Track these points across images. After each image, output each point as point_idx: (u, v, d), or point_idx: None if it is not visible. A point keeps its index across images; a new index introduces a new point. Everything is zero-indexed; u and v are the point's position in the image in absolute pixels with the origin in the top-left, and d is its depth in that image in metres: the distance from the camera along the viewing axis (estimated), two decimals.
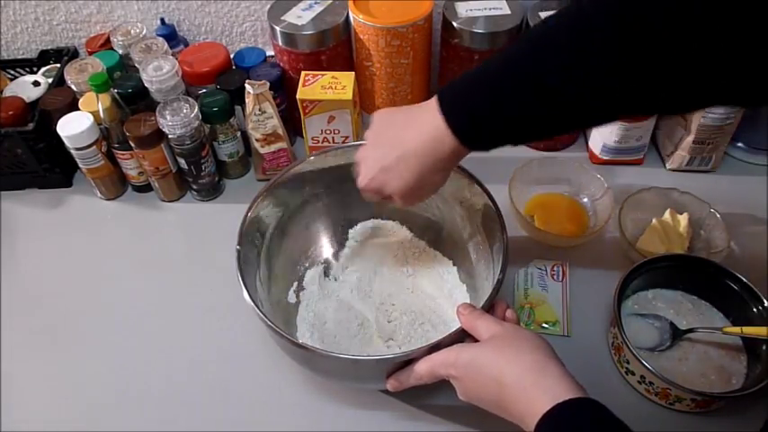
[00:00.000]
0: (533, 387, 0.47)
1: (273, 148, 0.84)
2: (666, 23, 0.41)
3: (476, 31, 0.81)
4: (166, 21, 0.95)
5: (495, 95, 0.49)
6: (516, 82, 0.48)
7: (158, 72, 0.82)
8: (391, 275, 0.74)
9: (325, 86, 0.79)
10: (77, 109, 0.83)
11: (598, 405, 0.45)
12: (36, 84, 0.91)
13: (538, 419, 0.45)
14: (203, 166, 0.84)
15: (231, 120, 0.84)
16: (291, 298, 0.72)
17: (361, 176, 0.59)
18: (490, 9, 0.83)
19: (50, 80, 0.91)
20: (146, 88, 0.83)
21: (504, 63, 0.50)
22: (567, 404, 0.45)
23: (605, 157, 0.87)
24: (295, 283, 0.73)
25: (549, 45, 0.47)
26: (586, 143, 0.91)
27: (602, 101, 0.46)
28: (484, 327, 0.53)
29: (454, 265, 0.74)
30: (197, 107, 0.79)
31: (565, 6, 0.48)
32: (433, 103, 0.52)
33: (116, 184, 0.89)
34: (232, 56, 0.90)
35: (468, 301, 0.69)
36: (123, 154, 0.84)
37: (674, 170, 0.87)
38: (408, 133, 0.54)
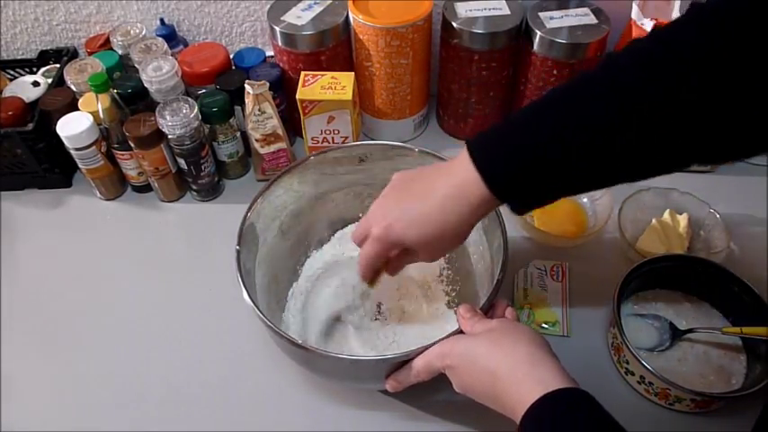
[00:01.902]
0: (525, 378, 0.47)
1: (273, 148, 0.84)
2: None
3: (475, 31, 0.81)
4: (166, 21, 0.95)
5: (529, 135, 0.46)
6: (554, 126, 0.46)
7: (158, 72, 0.82)
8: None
9: (325, 87, 0.79)
10: (77, 109, 0.83)
11: (586, 396, 0.45)
12: (36, 84, 0.91)
13: (526, 409, 0.45)
14: (203, 167, 0.84)
15: (231, 120, 0.84)
16: (291, 298, 0.72)
17: (375, 226, 0.52)
18: (490, 9, 0.83)
19: (50, 80, 0.91)
20: (145, 88, 0.83)
21: (541, 108, 0.47)
22: (555, 394, 0.45)
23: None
24: (295, 284, 0.73)
25: (582, 88, 0.45)
26: None
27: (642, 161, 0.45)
28: (480, 326, 0.53)
29: (454, 265, 0.74)
30: (197, 107, 0.79)
31: (608, 55, 0.46)
32: (463, 153, 0.49)
33: (116, 185, 0.89)
34: (232, 56, 0.90)
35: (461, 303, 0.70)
36: (123, 154, 0.84)
37: None
38: (435, 183, 0.50)
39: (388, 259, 0.56)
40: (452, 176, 0.50)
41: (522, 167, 0.46)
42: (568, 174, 0.47)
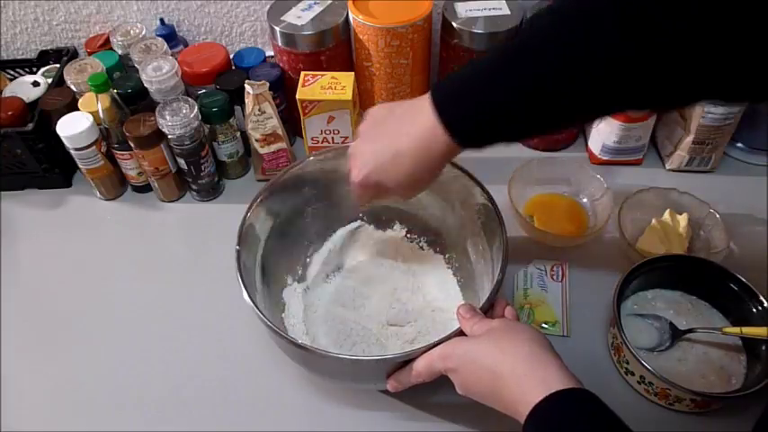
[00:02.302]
0: (527, 377, 0.47)
1: (273, 148, 0.84)
2: (666, 16, 0.41)
3: (475, 31, 0.81)
4: (166, 21, 0.95)
5: (489, 92, 0.48)
6: (510, 77, 0.48)
7: (158, 72, 0.82)
8: (388, 275, 0.74)
9: (325, 87, 0.79)
10: (77, 109, 0.83)
11: (591, 396, 0.45)
12: (35, 84, 0.91)
13: (530, 409, 0.45)
14: (203, 167, 0.84)
15: (231, 120, 0.84)
16: (291, 298, 0.72)
17: (355, 171, 0.58)
18: (490, 9, 0.83)
19: (50, 80, 0.91)
20: (145, 88, 0.83)
21: (497, 58, 0.49)
22: (560, 394, 0.45)
23: (605, 158, 0.87)
24: (295, 283, 0.73)
25: (545, 39, 0.46)
26: (586, 143, 0.91)
27: (599, 95, 0.46)
28: (480, 326, 0.53)
29: (454, 264, 0.74)
30: (196, 107, 0.79)
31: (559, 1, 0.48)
32: (427, 99, 0.52)
33: (116, 185, 0.89)
34: (231, 56, 0.90)
35: (461, 299, 0.70)
36: (123, 154, 0.84)
37: (673, 170, 0.87)
38: (403, 129, 0.54)
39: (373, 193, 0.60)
40: (419, 124, 0.52)
41: (483, 121, 0.50)
42: (527, 122, 0.49)
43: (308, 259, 0.76)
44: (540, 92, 0.46)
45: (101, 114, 0.79)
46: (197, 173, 0.84)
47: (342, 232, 0.78)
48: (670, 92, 0.45)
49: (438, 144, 0.51)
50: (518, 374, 0.48)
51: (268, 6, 0.85)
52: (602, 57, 0.43)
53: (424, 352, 0.54)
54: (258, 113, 0.80)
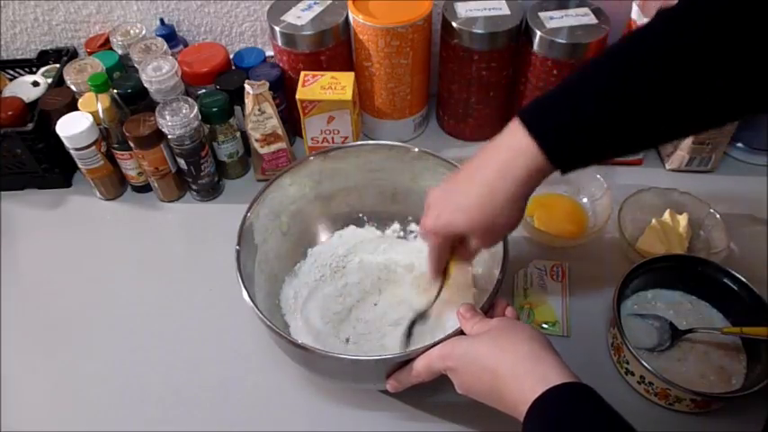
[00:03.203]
0: (527, 375, 0.47)
1: (273, 148, 0.84)
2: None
3: (475, 31, 0.81)
4: (166, 21, 0.95)
5: (583, 103, 0.47)
6: (601, 85, 0.46)
7: (158, 72, 0.82)
8: (389, 275, 0.74)
9: (325, 87, 0.79)
10: (77, 109, 0.83)
11: (590, 390, 0.45)
12: (35, 84, 0.91)
13: (529, 405, 0.45)
14: (203, 167, 0.84)
15: (231, 120, 0.84)
16: (291, 298, 0.72)
17: (429, 219, 0.54)
18: (489, 9, 0.83)
19: (50, 80, 0.91)
20: (145, 88, 0.83)
21: (587, 70, 0.48)
22: (559, 389, 0.45)
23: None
24: (295, 283, 0.73)
25: (639, 56, 0.45)
26: None
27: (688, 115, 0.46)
28: (480, 326, 0.53)
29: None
30: (196, 107, 0.79)
31: (656, 17, 0.47)
32: (512, 124, 0.49)
33: (115, 185, 0.89)
34: (231, 56, 0.90)
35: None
36: (123, 154, 0.83)
37: (673, 170, 0.87)
38: (481, 162, 0.50)
39: (453, 250, 0.57)
40: (497, 153, 0.49)
41: (577, 132, 0.47)
42: (621, 136, 0.47)
43: (307, 259, 0.76)
44: (630, 105, 0.45)
45: (101, 114, 0.79)
46: (197, 173, 0.84)
47: (341, 233, 0.78)
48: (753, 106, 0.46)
49: (520, 165, 0.48)
50: (518, 373, 0.48)
51: (268, 6, 0.85)
52: (693, 76, 0.44)
53: (424, 352, 0.54)
54: (258, 113, 0.80)
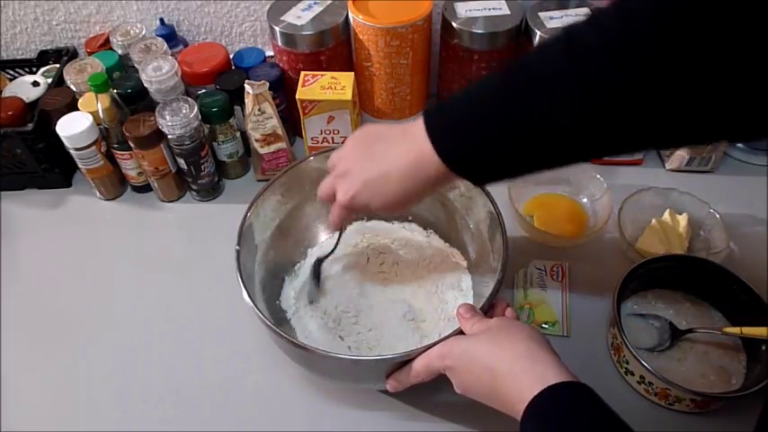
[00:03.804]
0: (525, 374, 0.47)
1: (273, 148, 0.84)
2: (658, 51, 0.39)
3: (475, 31, 0.81)
4: (166, 21, 0.95)
5: (484, 123, 0.46)
6: (505, 109, 0.45)
7: (158, 72, 0.82)
8: (389, 275, 0.74)
9: (325, 87, 0.79)
10: (77, 109, 0.83)
11: (587, 389, 0.45)
12: (35, 84, 0.91)
13: (527, 404, 0.45)
14: (203, 167, 0.84)
15: (231, 120, 0.84)
16: (291, 297, 0.72)
17: (342, 192, 0.57)
18: (489, 9, 0.83)
19: (50, 80, 0.91)
20: (145, 88, 0.83)
21: (496, 88, 0.47)
22: (556, 388, 0.45)
23: (605, 158, 0.87)
24: (294, 283, 0.73)
25: (546, 73, 0.44)
26: None
27: (597, 136, 0.44)
28: (479, 325, 0.53)
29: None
30: (196, 107, 0.79)
31: (562, 29, 0.45)
32: (420, 125, 0.50)
33: (115, 185, 0.89)
34: (231, 56, 0.90)
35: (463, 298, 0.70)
36: (123, 154, 0.84)
37: (673, 170, 0.87)
38: (394, 151, 0.52)
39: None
40: (411, 147, 0.51)
41: (478, 151, 0.48)
42: (524, 158, 0.48)
43: (308, 259, 0.76)
44: (539, 127, 0.44)
45: (101, 114, 0.79)
46: (197, 173, 0.84)
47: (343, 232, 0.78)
48: (671, 130, 0.43)
49: (429, 170, 0.50)
50: (516, 372, 0.48)
51: (268, 6, 0.85)
52: (603, 96, 0.42)
53: (423, 351, 0.54)
54: (258, 113, 0.80)
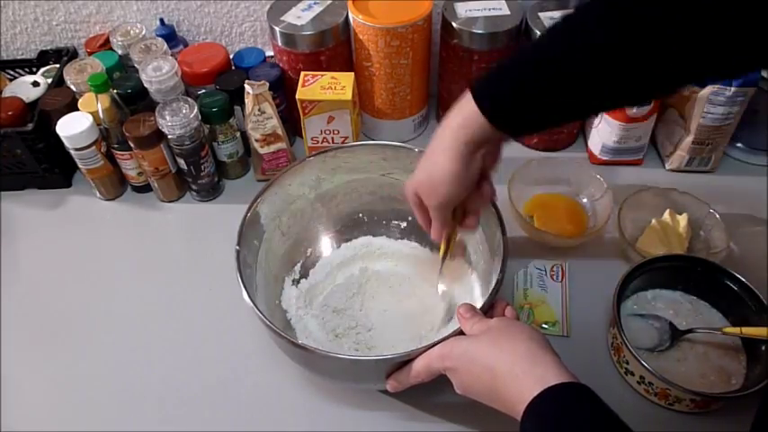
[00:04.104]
0: (525, 375, 0.47)
1: (273, 148, 0.84)
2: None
3: (475, 31, 0.81)
4: (166, 21, 0.95)
5: (519, 72, 0.51)
6: (539, 64, 0.50)
7: (158, 72, 0.82)
8: (388, 275, 0.74)
9: (325, 87, 0.79)
10: (77, 109, 0.83)
11: (586, 389, 0.45)
12: (35, 84, 0.91)
13: (527, 404, 0.45)
14: (203, 167, 0.84)
15: (231, 120, 0.84)
16: (291, 297, 0.72)
17: (410, 185, 0.59)
18: (489, 9, 0.83)
19: (50, 80, 0.91)
20: (145, 89, 0.83)
21: (531, 47, 0.53)
22: (556, 388, 0.45)
23: (605, 158, 0.87)
24: (294, 283, 0.73)
25: (571, 31, 0.49)
26: (586, 143, 0.91)
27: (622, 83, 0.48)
28: (479, 326, 0.53)
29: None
30: (196, 107, 0.79)
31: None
32: (467, 95, 0.53)
33: (115, 185, 0.89)
34: (231, 56, 0.90)
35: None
36: (123, 154, 0.84)
37: (673, 170, 0.87)
38: (445, 125, 0.55)
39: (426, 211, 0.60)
40: (457, 114, 0.54)
41: (513, 96, 0.51)
42: (558, 102, 0.51)
43: (308, 259, 0.76)
44: (563, 78, 0.48)
45: (101, 114, 0.79)
46: (197, 173, 0.84)
47: (343, 232, 0.78)
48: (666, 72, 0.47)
49: (473, 129, 0.52)
50: (516, 372, 0.48)
51: (268, 6, 0.85)
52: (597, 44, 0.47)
53: (423, 352, 0.54)
54: (258, 113, 0.80)
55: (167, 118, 0.78)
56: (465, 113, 0.53)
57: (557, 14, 0.81)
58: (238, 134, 0.87)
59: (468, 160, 0.54)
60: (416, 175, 0.58)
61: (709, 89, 0.77)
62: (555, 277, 0.75)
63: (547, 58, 0.49)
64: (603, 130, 0.84)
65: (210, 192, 0.88)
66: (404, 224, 0.78)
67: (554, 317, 0.71)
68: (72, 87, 0.86)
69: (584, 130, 0.93)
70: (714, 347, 0.66)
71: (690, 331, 0.66)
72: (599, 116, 0.84)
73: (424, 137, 0.96)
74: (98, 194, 0.89)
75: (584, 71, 0.48)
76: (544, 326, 0.70)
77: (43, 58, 0.98)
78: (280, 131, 0.83)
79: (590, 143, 0.89)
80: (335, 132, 0.82)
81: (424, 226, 0.62)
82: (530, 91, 0.50)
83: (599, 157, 0.87)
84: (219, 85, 0.85)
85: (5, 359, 0.72)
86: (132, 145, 0.81)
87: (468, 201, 0.60)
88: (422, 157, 0.58)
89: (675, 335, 0.66)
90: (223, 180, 0.90)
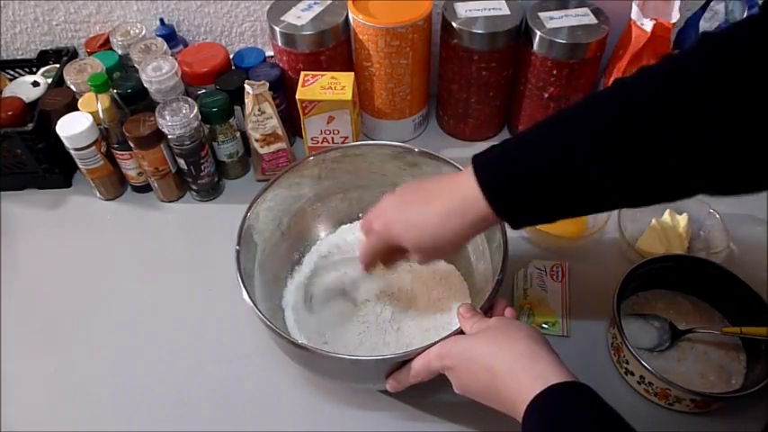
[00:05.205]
0: (524, 373, 0.47)
1: (273, 148, 0.84)
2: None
3: (475, 31, 0.81)
4: (166, 21, 0.95)
5: (531, 157, 0.47)
6: (552, 145, 0.47)
7: (158, 72, 0.82)
8: (389, 276, 0.74)
9: (325, 87, 0.79)
10: (77, 109, 0.83)
11: (587, 389, 0.45)
12: (35, 84, 0.91)
13: (527, 404, 0.45)
14: (203, 167, 0.84)
15: (231, 120, 0.84)
16: (291, 297, 0.72)
17: (376, 220, 0.56)
18: (489, 9, 0.83)
19: (50, 80, 0.91)
20: (145, 89, 0.83)
21: (544, 126, 0.49)
22: (558, 387, 0.45)
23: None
24: (294, 283, 0.73)
25: (591, 118, 0.46)
26: None
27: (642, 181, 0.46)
28: (479, 325, 0.53)
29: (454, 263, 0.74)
30: (196, 107, 0.79)
31: (621, 79, 0.47)
32: (468, 169, 0.51)
33: (115, 185, 0.89)
34: (231, 56, 0.90)
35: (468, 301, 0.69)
36: (123, 154, 0.84)
37: None
38: (439, 191, 0.53)
39: (386, 253, 0.59)
40: (456, 189, 0.51)
41: (523, 186, 0.48)
42: (571, 196, 0.48)
43: (307, 259, 0.76)
44: (575, 167, 0.45)
45: (101, 114, 0.79)
46: (197, 173, 0.84)
47: (343, 232, 0.78)
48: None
49: (473, 210, 0.50)
50: (515, 371, 0.48)
51: (268, 6, 0.85)
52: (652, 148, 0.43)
53: (422, 351, 0.54)
54: (258, 113, 0.80)
55: (167, 118, 0.78)
56: (466, 193, 0.50)
57: (557, 14, 0.81)
58: (238, 134, 0.87)
59: (456, 237, 0.52)
60: (418, 236, 0.53)
61: None
62: (555, 277, 0.75)
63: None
64: None
65: (210, 192, 0.88)
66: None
67: (554, 317, 0.71)
68: (72, 87, 0.86)
69: None
70: (714, 347, 0.66)
71: (690, 331, 0.66)
72: None
73: (424, 137, 0.96)
74: (98, 194, 0.89)
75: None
76: (544, 326, 0.70)
77: (43, 58, 0.98)
78: (280, 131, 0.83)
79: None
80: (335, 132, 0.82)
81: (370, 260, 0.60)
82: (547, 176, 0.46)
83: None
84: (219, 85, 0.85)
85: (5, 359, 0.72)
86: (132, 145, 0.81)
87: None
88: (403, 200, 0.55)
89: (675, 335, 0.66)
90: (223, 180, 0.90)
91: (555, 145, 0.47)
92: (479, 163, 0.50)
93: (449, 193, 0.52)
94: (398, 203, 0.56)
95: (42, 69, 0.95)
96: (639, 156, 0.44)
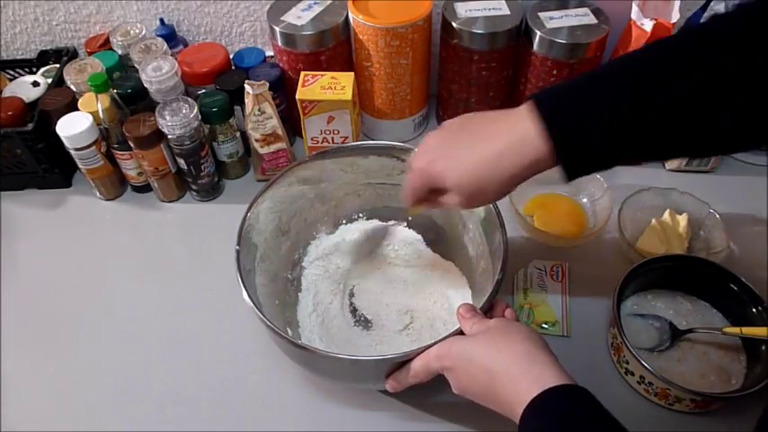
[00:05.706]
0: (522, 375, 0.47)
1: (273, 148, 0.84)
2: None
3: (475, 31, 0.81)
4: (166, 21, 0.95)
5: (595, 96, 0.45)
6: (618, 84, 0.45)
7: (158, 72, 0.82)
8: (388, 276, 0.74)
9: (325, 87, 0.79)
10: (77, 109, 0.83)
11: (585, 392, 0.45)
12: (35, 84, 0.91)
13: (524, 407, 0.45)
14: (203, 167, 0.84)
15: (230, 120, 0.84)
16: (291, 297, 0.72)
17: (419, 157, 0.52)
18: (489, 9, 0.83)
19: (50, 80, 0.91)
20: (145, 88, 0.83)
21: (607, 66, 0.47)
22: (555, 390, 0.45)
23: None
24: (295, 283, 0.73)
25: (659, 56, 0.44)
26: None
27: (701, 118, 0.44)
28: (478, 326, 0.53)
29: (454, 264, 0.74)
30: (196, 107, 0.79)
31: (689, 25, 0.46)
32: (525, 106, 0.47)
33: (115, 185, 0.89)
34: (231, 56, 0.90)
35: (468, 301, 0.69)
36: (123, 154, 0.83)
37: (673, 170, 0.87)
38: (493, 126, 0.49)
39: (428, 193, 0.55)
40: (512, 127, 0.47)
41: (592, 123, 0.45)
42: (637, 137, 0.45)
43: (307, 259, 0.76)
44: (647, 102, 0.43)
45: (101, 114, 0.79)
46: (197, 173, 0.84)
47: (342, 232, 0.78)
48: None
49: (528, 152, 0.47)
50: (513, 373, 0.48)
51: (268, 6, 0.85)
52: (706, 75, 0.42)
53: (422, 352, 0.54)
54: (258, 113, 0.80)
55: (167, 118, 0.78)
56: (524, 132, 0.46)
57: (557, 14, 0.81)
58: (238, 134, 0.87)
59: (505, 181, 0.49)
60: (464, 175, 0.50)
61: None
62: (555, 277, 0.75)
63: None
64: None
65: (210, 192, 0.88)
66: (404, 224, 0.78)
67: (554, 317, 0.71)
68: (72, 87, 0.86)
69: None
70: (714, 347, 0.66)
71: (690, 331, 0.66)
72: None
73: (424, 137, 0.96)
74: (98, 194, 0.89)
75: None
76: (544, 326, 0.70)
77: (43, 58, 0.98)
78: (280, 131, 0.83)
79: None
80: (335, 132, 0.82)
81: (410, 199, 0.56)
82: (617, 125, 0.44)
83: None
84: (219, 85, 0.85)
85: (5, 359, 0.72)
86: (132, 145, 0.81)
87: None
88: (454, 139, 0.51)
89: (675, 335, 0.66)
90: (223, 180, 0.90)
91: (628, 82, 0.44)
92: (543, 99, 0.46)
93: (506, 130, 0.48)
94: (444, 140, 0.52)
95: (42, 69, 0.95)
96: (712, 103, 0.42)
